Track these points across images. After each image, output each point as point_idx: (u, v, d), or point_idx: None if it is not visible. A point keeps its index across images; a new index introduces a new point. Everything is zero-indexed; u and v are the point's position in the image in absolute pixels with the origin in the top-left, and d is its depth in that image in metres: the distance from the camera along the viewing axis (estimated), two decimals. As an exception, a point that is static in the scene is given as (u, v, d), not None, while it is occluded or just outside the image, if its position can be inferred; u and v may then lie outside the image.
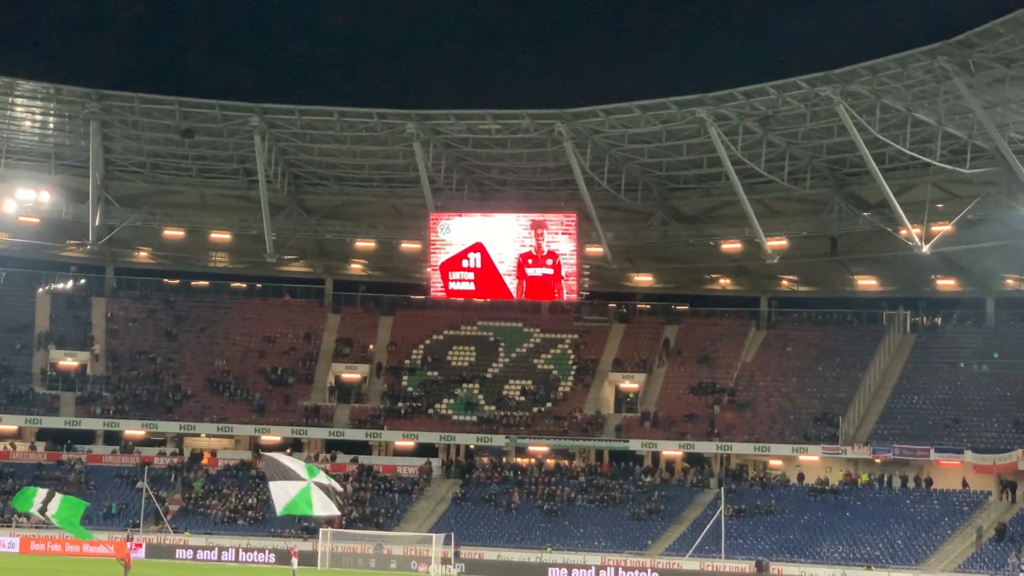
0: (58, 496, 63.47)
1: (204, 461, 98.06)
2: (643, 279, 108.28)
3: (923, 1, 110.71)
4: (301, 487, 62.40)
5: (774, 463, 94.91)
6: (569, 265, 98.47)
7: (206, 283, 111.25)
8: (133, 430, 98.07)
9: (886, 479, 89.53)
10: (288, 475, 63.07)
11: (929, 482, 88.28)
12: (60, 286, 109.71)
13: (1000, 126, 79.18)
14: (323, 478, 64.68)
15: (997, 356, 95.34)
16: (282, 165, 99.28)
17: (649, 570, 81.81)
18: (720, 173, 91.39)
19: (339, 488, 70.29)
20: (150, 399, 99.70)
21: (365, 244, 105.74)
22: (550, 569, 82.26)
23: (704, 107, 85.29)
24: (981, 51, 74.13)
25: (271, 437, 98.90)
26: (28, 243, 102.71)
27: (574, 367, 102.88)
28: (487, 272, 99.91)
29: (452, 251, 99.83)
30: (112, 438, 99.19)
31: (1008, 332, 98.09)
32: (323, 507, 64.09)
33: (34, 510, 63.41)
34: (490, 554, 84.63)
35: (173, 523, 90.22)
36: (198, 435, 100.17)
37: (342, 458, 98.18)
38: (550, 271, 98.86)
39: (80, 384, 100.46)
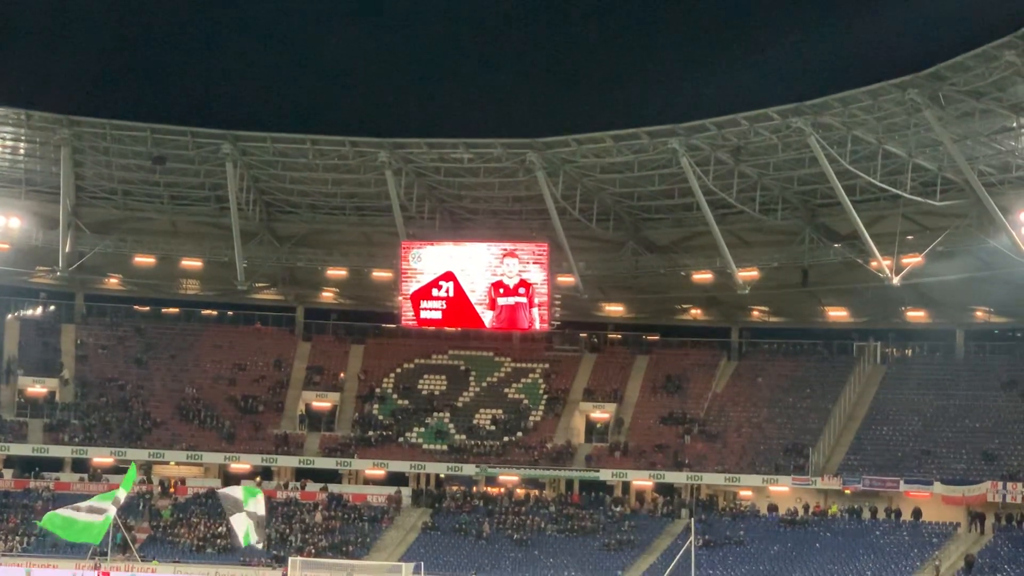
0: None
1: (172, 489, 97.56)
2: (614, 309, 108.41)
3: (894, 34, 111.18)
4: (244, 516, 65.98)
5: (744, 494, 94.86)
6: (540, 295, 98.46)
7: (176, 310, 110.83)
8: (101, 457, 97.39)
9: (856, 510, 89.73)
10: (238, 506, 66.50)
11: (899, 513, 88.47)
12: (29, 312, 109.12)
13: (970, 159, 79.60)
14: (253, 505, 67.16)
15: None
16: (254, 193, 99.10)
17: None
18: (692, 203, 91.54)
19: (261, 513, 71.51)
20: (119, 426, 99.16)
21: (336, 272, 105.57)
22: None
23: (676, 137, 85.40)
24: (951, 84, 74.58)
25: (241, 465, 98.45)
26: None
27: (545, 396, 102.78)
28: (458, 301, 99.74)
29: (424, 280, 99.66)
30: (80, 466, 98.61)
31: (978, 364, 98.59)
32: (255, 536, 67.55)
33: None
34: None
35: (141, 552, 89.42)
36: (167, 463, 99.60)
37: (312, 486, 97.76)
38: (522, 300, 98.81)
39: (49, 411, 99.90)
